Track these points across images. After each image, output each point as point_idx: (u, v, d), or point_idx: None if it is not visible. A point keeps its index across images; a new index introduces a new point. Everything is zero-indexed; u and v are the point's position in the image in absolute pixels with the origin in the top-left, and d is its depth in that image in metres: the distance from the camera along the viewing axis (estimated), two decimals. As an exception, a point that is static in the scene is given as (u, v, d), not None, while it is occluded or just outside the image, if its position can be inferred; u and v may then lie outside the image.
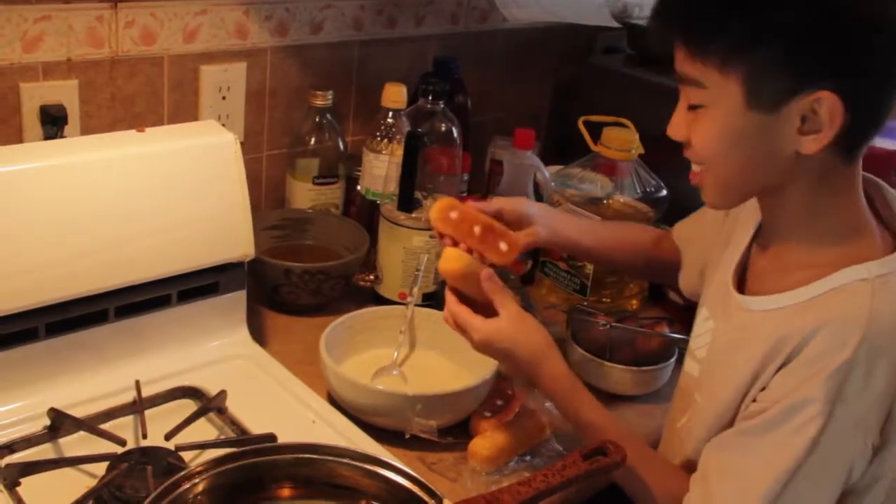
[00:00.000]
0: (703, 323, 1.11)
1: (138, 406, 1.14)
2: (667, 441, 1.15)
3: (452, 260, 1.11)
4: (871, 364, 0.89)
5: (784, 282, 0.98)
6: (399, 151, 1.40)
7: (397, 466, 0.96)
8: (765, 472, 0.92)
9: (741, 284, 1.05)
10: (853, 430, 0.91)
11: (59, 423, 1.08)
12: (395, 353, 1.29)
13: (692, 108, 0.97)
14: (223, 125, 1.34)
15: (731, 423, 0.99)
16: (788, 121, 0.91)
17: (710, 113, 0.95)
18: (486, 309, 1.10)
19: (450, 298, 1.13)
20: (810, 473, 0.90)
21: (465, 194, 1.65)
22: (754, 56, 0.90)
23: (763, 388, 0.95)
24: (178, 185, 1.21)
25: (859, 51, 0.89)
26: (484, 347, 1.10)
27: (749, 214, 1.09)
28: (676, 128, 1.00)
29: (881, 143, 1.98)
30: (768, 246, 1.04)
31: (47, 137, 1.30)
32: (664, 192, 1.56)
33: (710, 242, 1.18)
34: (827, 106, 0.89)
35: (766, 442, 0.92)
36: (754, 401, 0.96)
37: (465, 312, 1.11)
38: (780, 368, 0.93)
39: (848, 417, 0.90)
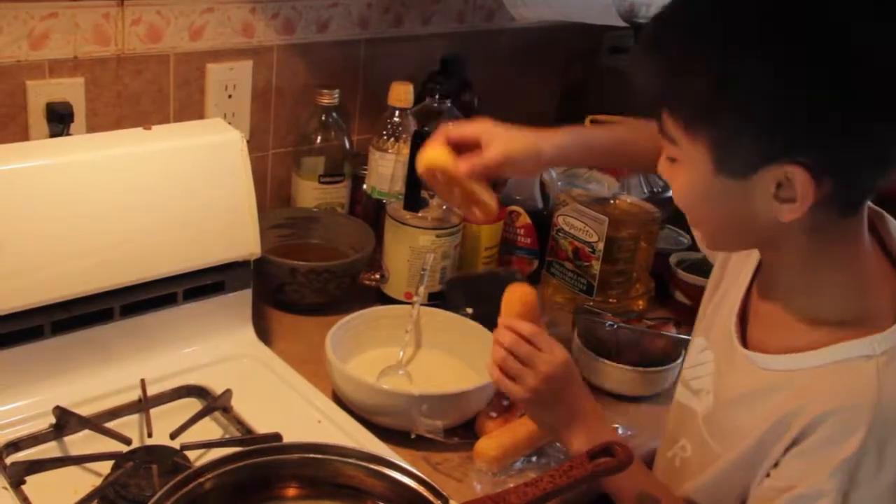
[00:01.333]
0: (701, 354, 1.07)
1: (144, 405, 1.13)
2: (659, 470, 1.13)
3: None
4: (881, 449, 0.86)
5: (789, 340, 0.94)
6: (405, 150, 1.40)
7: (403, 467, 0.95)
8: None
9: (742, 327, 1.02)
10: None
11: (65, 422, 1.08)
12: (401, 353, 1.28)
13: (669, 158, 0.93)
14: (229, 123, 1.33)
15: (736, 484, 0.96)
16: (762, 187, 0.85)
17: (682, 171, 0.91)
18: None
19: (519, 324, 1.06)
20: None
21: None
22: (717, 125, 0.84)
23: (775, 465, 0.92)
24: (184, 184, 1.21)
25: (831, 129, 0.81)
26: (550, 379, 1.03)
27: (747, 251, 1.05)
28: (661, 170, 0.96)
29: None
30: (770, 293, 0.99)
31: (53, 135, 1.30)
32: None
33: None
34: (799, 179, 0.82)
35: None
36: (768, 475, 0.93)
37: (542, 335, 1.05)
38: (789, 446, 0.90)
39: (865, 499, 0.87)
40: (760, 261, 1.02)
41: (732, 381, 1.00)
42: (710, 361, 1.05)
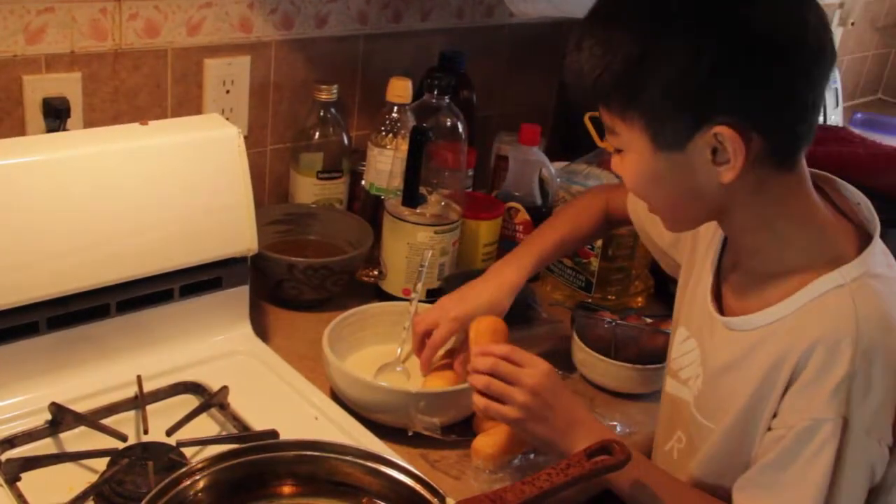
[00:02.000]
0: (684, 343, 1.09)
1: (140, 401, 1.13)
2: (657, 463, 1.13)
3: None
4: (868, 369, 0.90)
5: (764, 296, 0.98)
6: (404, 146, 1.40)
7: (400, 464, 0.95)
8: (797, 501, 0.92)
9: (718, 303, 1.05)
10: (866, 436, 0.91)
11: (60, 418, 1.08)
12: (399, 350, 1.28)
13: (617, 151, 0.99)
14: (227, 119, 1.33)
15: (737, 450, 0.98)
16: (699, 155, 0.91)
17: (629, 156, 0.97)
18: None
19: (493, 347, 1.09)
20: (840, 488, 0.91)
21: (469, 189, 1.65)
22: (646, 102, 0.91)
23: (775, 415, 0.94)
24: (181, 180, 1.20)
25: (745, 83, 0.88)
26: (538, 391, 1.04)
27: (710, 229, 1.09)
28: (615, 166, 1.02)
29: (894, 141, 1.97)
30: (737, 262, 1.04)
31: (50, 130, 1.30)
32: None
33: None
34: (728, 138, 0.89)
35: (791, 472, 0.92)
36: (770, 429, 0.95)
37: (519, 351, 1.07)
38: (784, 391, 0.93)
39: (859, 425, 0.90)
40: (724, 239, 1.06)
41: (717, 355, 1.02)
42: (694, 349, 1.07)
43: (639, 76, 0.90)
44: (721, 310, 1.04)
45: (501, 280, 1.26)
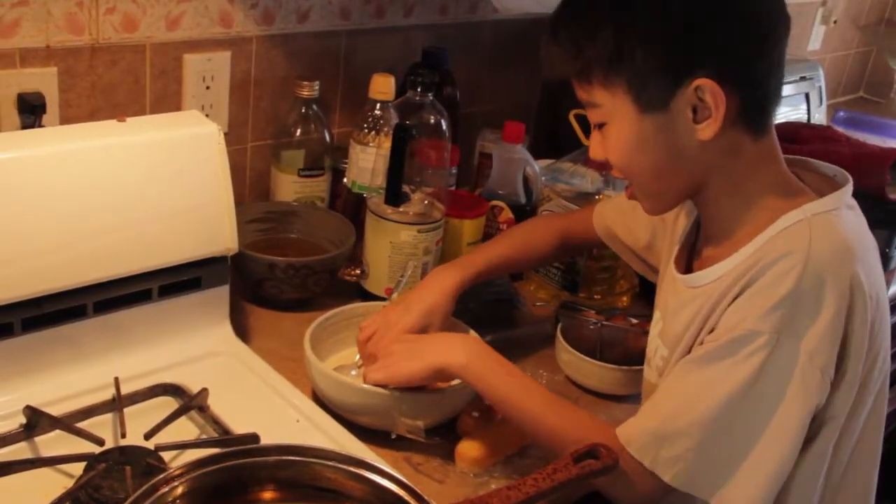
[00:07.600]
0: (654, 326, 1.13)
1: (117, 404, 1.11)
2: None
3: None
4: (817, 291, 0.92)
5: (727, 250, 1.01)
6: (386, 144, 1.38)
7: (383, 469, 0.93)
8: (707, 396, 0.94)
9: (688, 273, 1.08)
10: (809, 362, 0.92)
11: (35, 422, 1.05)
12: (358, 356, 1.25)
13: (599, 127, 1.02)
14: (206, 115, 1.30)
15: None
16: (681, 114, 0.96)
17: (613, 128, 1.00)
18: None
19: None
20: (756, 403, 0.93)
21: (452, 187, 1.63)
22: (628, 66, 0.96)
23: (712, 330, 0.98)
24: (160, 177, 1.18)
25: (719, 36, 0.94)
26: (400, 340, 1.16)
27: (686, 222, 1.12)
28: (595, 150, 1.04)
29: (876, 140, 1.98)
30: (709, 233, 1.07)
31: (25, 127, 1.27)
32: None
33: (643, 232, 1.26)
34: (708, 91, 0.94)
35: (711, 369, 0.95)
36: (702, 343, 0.99)
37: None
38: (729, 305, 0.96)
39: (804, 348, 0.92)
40: (697, 224, 1.11)
41: (675, 320, 1.05)
42: (661, 330, 1.10)
43: (622, 41, 0.95)
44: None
45: (443, 283, 1.24)
